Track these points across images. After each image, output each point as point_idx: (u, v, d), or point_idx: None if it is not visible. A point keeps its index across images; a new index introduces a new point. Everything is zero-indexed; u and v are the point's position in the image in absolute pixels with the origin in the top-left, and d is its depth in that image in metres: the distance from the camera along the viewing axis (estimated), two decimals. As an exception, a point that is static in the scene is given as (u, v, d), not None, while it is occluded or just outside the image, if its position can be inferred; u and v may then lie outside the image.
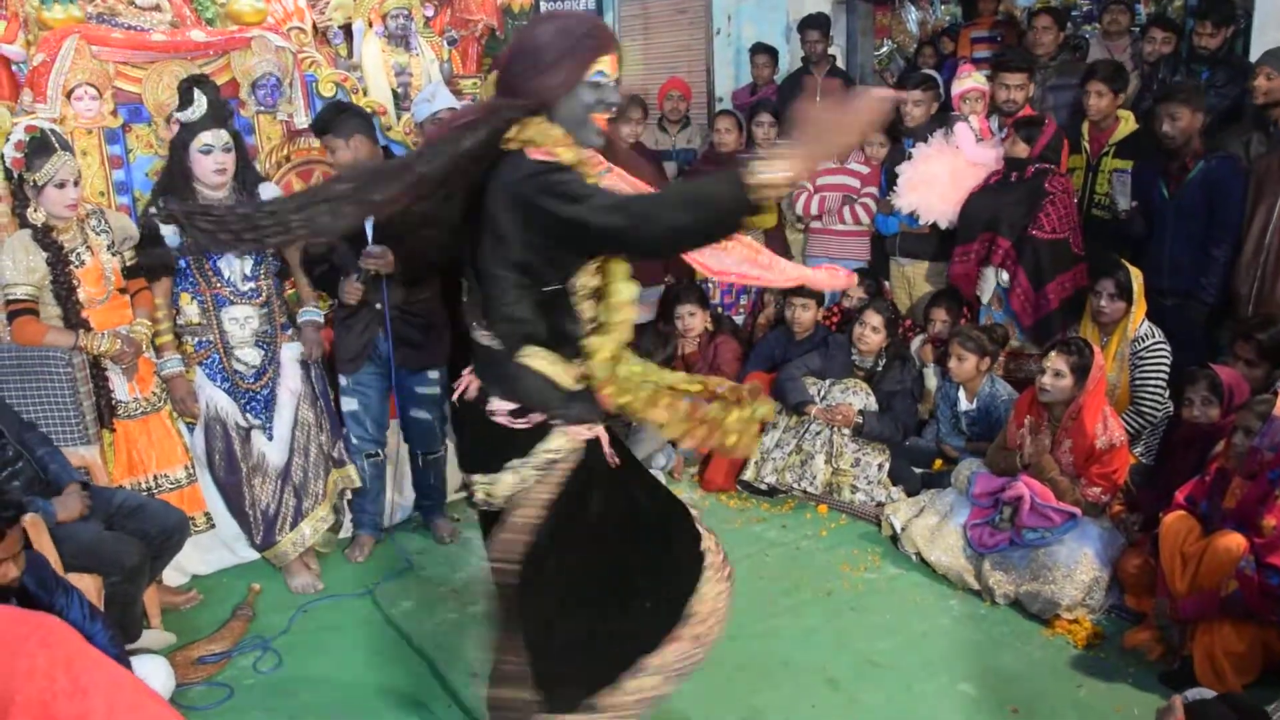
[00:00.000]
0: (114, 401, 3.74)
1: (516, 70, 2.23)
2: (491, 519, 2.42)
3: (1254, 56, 4.99)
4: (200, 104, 3.75)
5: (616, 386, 2.31)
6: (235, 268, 3.90)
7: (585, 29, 2.23)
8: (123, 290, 3.78)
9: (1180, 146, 4.38)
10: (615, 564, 2.43)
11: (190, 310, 3.90)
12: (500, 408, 2.29)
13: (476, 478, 2.38)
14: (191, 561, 4.10)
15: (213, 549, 4.19)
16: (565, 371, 2.29)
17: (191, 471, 4.00)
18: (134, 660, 2.94)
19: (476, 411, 2.32)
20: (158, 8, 4.51)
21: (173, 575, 4.00)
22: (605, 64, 2.20)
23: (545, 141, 2.17)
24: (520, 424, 2.28)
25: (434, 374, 4.21)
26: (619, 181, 2.45)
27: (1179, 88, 4.44)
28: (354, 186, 2.09)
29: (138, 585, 3.36)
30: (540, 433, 2.28)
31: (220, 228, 2.03)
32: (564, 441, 2.30)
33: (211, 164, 3.76)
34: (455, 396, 2.40)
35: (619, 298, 2.30)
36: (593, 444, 2.34)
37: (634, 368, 2.36)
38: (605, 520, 2.37)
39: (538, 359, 2.27)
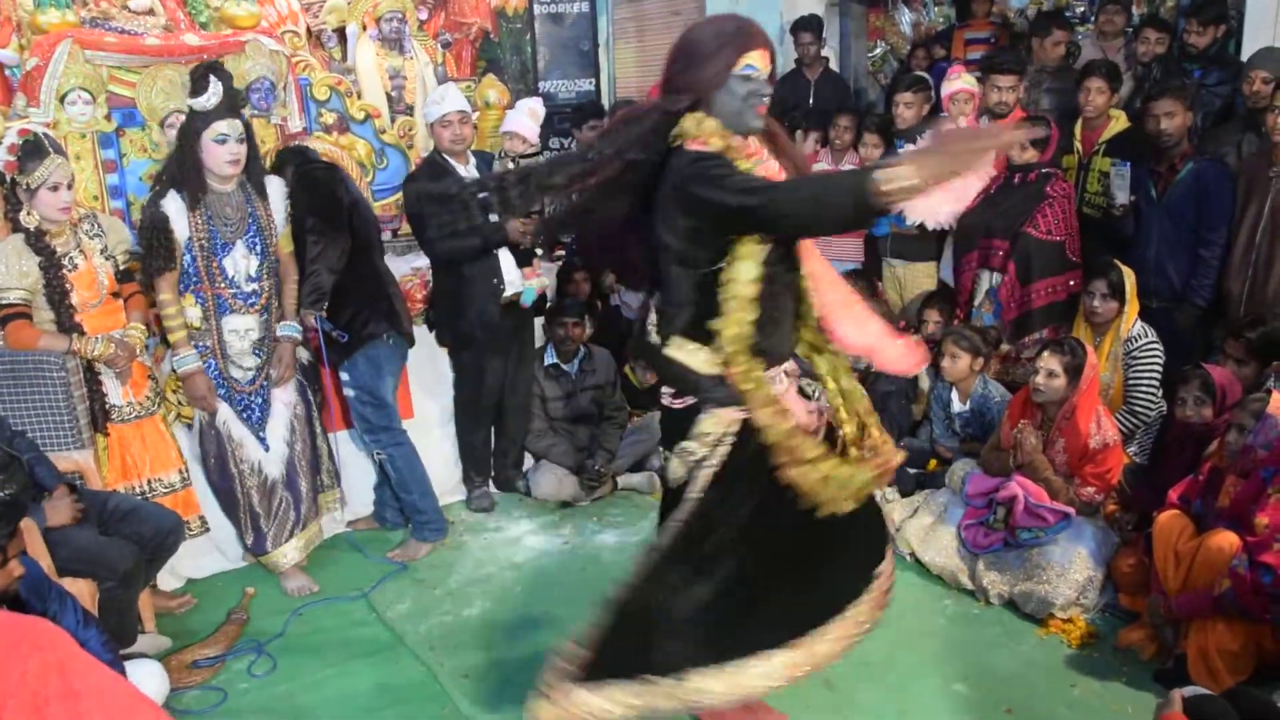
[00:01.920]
0: (108, 405, 3.73)
1: (676, 69, 2.46)
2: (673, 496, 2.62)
3: (1245, 56, 5.01)
4: (215, 91, 3.66)
5: (743, 372, 2.43)
6: (241, 268, 3.85)
7: (734, 27, 2.44)
8: (116, 294, 3.77)
9: (1173, 145, 4.39)
10: (758, 555, 2.55)
11: (192, 313, 3.85)
12: (666, 392, 2.57)
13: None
14: (186, 565, 4.10)
15: (207, 553, 4.20)
16: (704, 359, 2.47)
17: (186, 475, 3.99)
18: (128, 665, 2.94)
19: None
20: (151, 12, 4.51)
21: (167, 579, 4.01)
22: (755, 59, 2.39)
23: (700, 133, 2.40)
24: (677, 404, 2.54)
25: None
26: (775, 169, 2.58)
27: (1170, 86, 4.45)
28: (544, 170, 2.43)
29: (132, 590, 3.36)
30: (693, 414, 2.50)
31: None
32: (712, 424, 2.48)
33: (226, 154, 3.70)
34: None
35: (738, 275, 2.41)
36: (750, 429, 2.46)
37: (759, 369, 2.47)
38: (759, 509, 2.52)
39: (677, 349, 2.51)
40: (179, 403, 4.02)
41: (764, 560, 2.57)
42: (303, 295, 4.04)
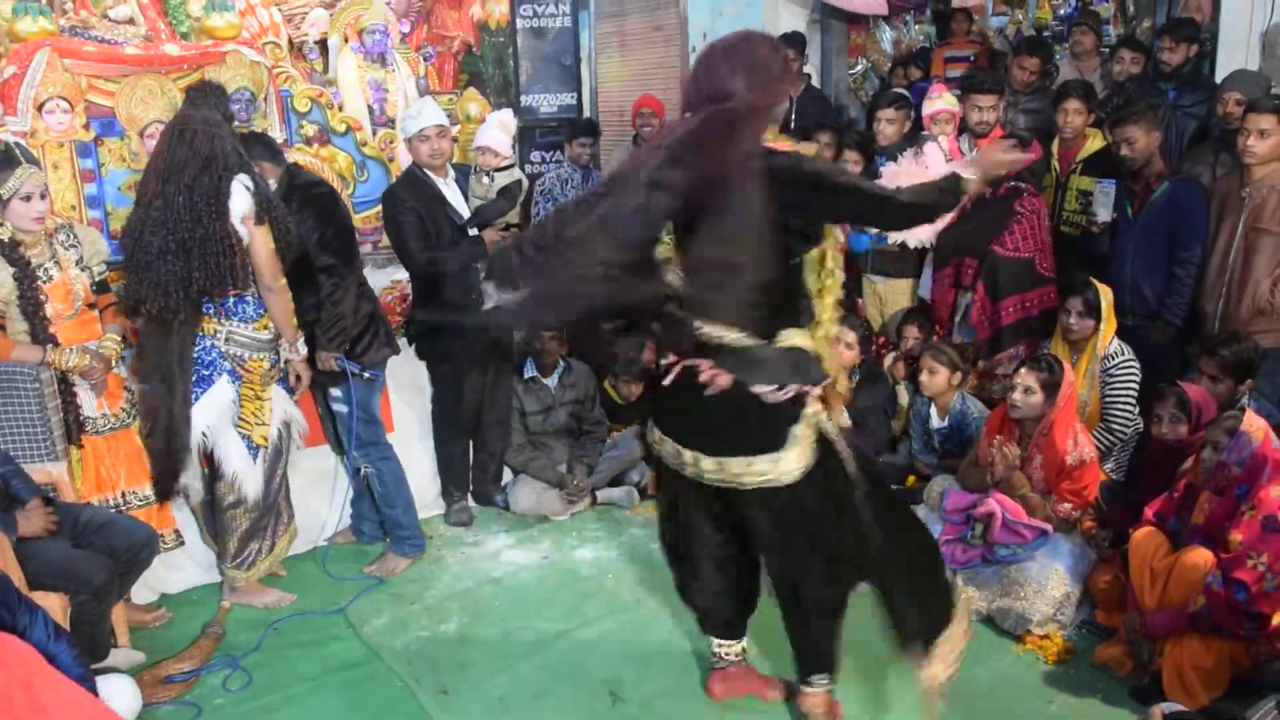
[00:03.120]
0: (82, 417, 3.69)
1: (749, 82, 2.55)
2: (726, 495, 2.86)
3: (1219, 78, 5.07)
4: None
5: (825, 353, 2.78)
6: None
7: (787, 56, 2.76)
8: (92, 305, 3.73)
9: (1142, 167, 4.44)
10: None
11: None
12: (763, 389, 2.66)
13: (730, 460, 2.75)
14: (160, 579, 4.06)
15: (182, 567, 4.16)
16: (810, 341, 2.74)
17: (183, 492, 3.92)
18: (101, 680, 2.90)
19: (724, 401, 2.68)
20: (131, 21, 4.50)
21: (141, 593, 3.96)
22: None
23: (775, 139, 2.70)
24: (782, 395, 2.68)
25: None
26: None
27: (1131, 111, 4.48)
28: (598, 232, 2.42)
29: (105, 603, 3.33)
30: (798, 402, 2.73)
31: None
32: (814, 406, 2.76)
33: None
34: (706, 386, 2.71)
35: (831, 257, 2.78)
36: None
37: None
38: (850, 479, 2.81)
39: (795, 337, 2.71)
40: (259, 423, 3.84)
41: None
42: (321, 335, 4.00)
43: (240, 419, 3.79)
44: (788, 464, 2.73)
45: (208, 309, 3.67)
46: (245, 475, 3.83)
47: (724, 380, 2.65)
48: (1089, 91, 5.01)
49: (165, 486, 3.80)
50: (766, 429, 2.73)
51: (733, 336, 2.66)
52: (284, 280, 3.71)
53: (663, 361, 2.87)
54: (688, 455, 2.82)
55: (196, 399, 3.71)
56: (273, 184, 3.90)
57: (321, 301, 3.97)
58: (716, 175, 2.44)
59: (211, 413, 3.74)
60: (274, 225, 3.66)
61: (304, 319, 3.99)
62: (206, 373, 3.72)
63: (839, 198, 2.67)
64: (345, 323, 4.00)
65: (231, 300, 3.68)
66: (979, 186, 2.72)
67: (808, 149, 2.75)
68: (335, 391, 4.16)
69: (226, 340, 3.72)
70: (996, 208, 4.72)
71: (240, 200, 3.56)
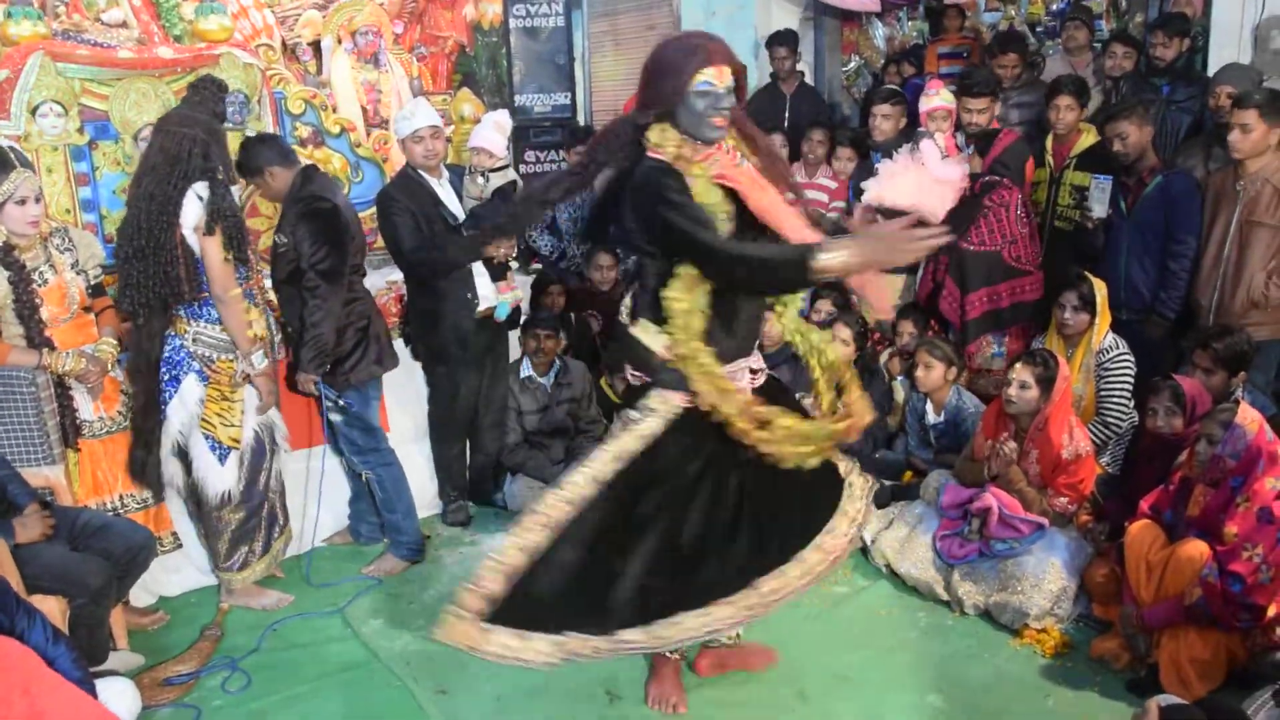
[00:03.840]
0: (79, 421, 3.69)
1: (645, 84, 2.70)
2: None
3: (1212, 71, 5.08)
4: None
5: (691, 360, 2.65)
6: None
7: (694, 45, 2.65)
8: (88, 309, 3.73)
9: (1135, 162, 4.45)
10: (696, 516, 2.76)
11: (259, 325, 3.81)
12: (629, 368, 2.83)
13: None
14: (159, 582, 4.06)
15: (181, 569, 4.16)
16: (663, 342, 2.70)
17: (158, 493, 3.94)
18: (100, 683, 2.90)
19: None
20: (124, 24, 4.50)
21: (140, 596, 3.96)
22: (710, 74, 2.59)
23: (661, 142, 2.64)
24: (635, 380, 2.81)
25: None
26: (748, 170, 2.76)
27: (1122, 106, 4.51)
28: (540, 189, 2.80)
29: (103, 607, 3.33)
30: (645, 390, 2.76)
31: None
32: (658, 402, 2.73)
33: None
34: None
35: (675, 291, 2.66)
36: (692, 415, 2.71)
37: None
38: (703, 473, 2.75)
39: (641, 330, 2.77)
40: (227, 425, 3.83)
41: (701, 521, 2.75)
42: (302, 356, 3.99)
43: (203, 419, 3.78)
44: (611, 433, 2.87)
45: (179, 310, 3.69)
46: (210, 475, 3.82)
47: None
48: (1081, 87, 5.02)
49: (147, 482, 3.85)
50: (630, 402, 2.85)
51: (625, 307, 2.89)
52: (236, 291, 3.68)
53: None
54: None
55: (169, 398, 3.75)
56: (283, 187, 3.96)
57: (304, 321, 3.96)
58: (578, 181, 2.78)
59: (183, 412, 3.77)
60: (228, 235, 3.61)
61: (295, 328, 4.03)
62: (175, 372, 3.74)
63: (667, 233, 2.60)
64: (325, 344, 3.97)
65: (199, 302, 3.70)
66: (843, 271, 2.44)
67: (700, 169, 2.63)
68: (328, 403, 4.17)
69: (194, 341, 3.73)
70: (973, 201, 4.76)
71: (190, 210, 3.57)
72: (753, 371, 2.87)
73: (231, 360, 3.77)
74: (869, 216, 3.99)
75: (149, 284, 3.57)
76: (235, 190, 3.74)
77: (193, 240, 3.60)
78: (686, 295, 2.63)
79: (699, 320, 2.64)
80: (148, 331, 3.70)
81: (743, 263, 2.55)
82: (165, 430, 3.78)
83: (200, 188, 3.59)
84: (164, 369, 3.74)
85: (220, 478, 3.84)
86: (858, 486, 3.05)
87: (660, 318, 2.69)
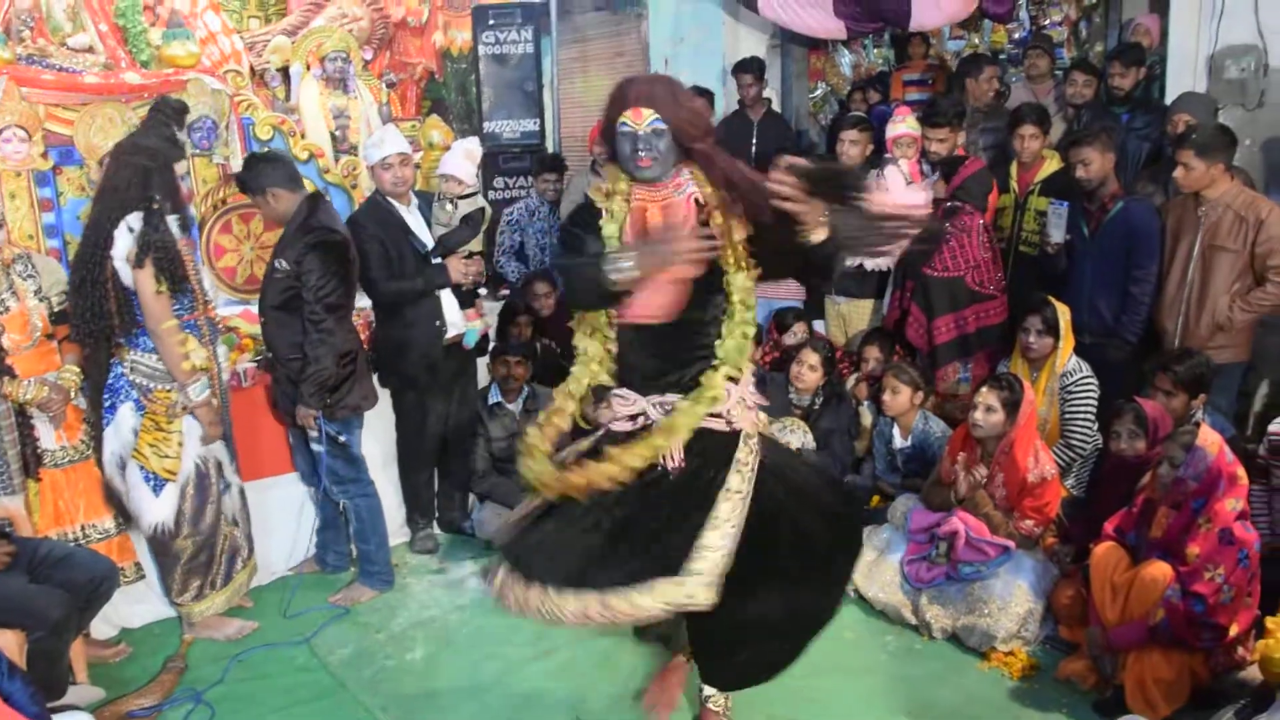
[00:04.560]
0: (40, 450, 3.64)
1: None
2: None
3: (1170, 99, 5.18)
4: (184, 130, 3.83)
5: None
6: (210, 287, 3.87)
7: (616, 90, 2.74)
8: (50, 336, 3.70)
9: (1097, 188, 4.52)
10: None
11: (198, 355, 3.73)
12: None
13: None
14: (121, 614, 4.00)
15: (144, 600, 4.10)
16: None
17: (121, 521, 3.90)
18: (58, 718, 2.86)
19: None
20: (90, 49, 4.49)
21: (101, 628, 3.91)
22: (627, 116, 2.66)
23: (606, 178, 2.81)
24: None
25: None
26: (682, 201, 2.76)
27: (1085, 133, 4.57)
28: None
29: (63, 640, 3.27)
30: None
31: None
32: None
33: (184, 188, 3.78)
34: None
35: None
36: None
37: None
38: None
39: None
40: (162, 456, 3.77)
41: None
42: (303, 390, 3.97)
43: (136, 449, 3.74)
44: None
45: (119, 339, 3.67)
46: (144, 505, 3.77)
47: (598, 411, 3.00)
48: (1043, 115, 5.09)
49: (117, 509, 3.85)
50: None
51: None
52: (170, 323, 3.63)
53: None
54: None
55: (106, 425, 3.72)
56: (285, 210, 3.98)
57: (304, 352, 3.95)
58: None
59: (116, 440, 3.73)
60: (159, 266, 3.56)
61: (282, 355, 4.01)
62: (114, 400, 3.72)
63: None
64: (327, 378, 3.97)
65: (136, 331, 3.67)
66: (635, 274, 2.52)
67: (620, 206, 2.74)
68: (313, 433, 4.13)
69: (132, 369, 3.70)
70: (938, 225, 4.81)
71: (121, 241, 3.55)
72: (634, 417, 2.82)
73: (169, 390, 3.72)
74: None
75: (87, 315, 3.57)
76: (173, 220, 3.65)
77: (124, 272, 3.57)
78: (585, 321, 2.81)
79: (594, 365, 2.81)
80: (94, 360, 3.69)
81: (566, 272, 2.74)
82: (104, 458, 3.75)
83: (134, 218, 3.56)
84: (106, 396, 3.72)
85: (154, 508, 3.77)
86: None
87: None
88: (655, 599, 2.58)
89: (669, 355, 2.78)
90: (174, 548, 3.84)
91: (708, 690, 3.17)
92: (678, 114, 2.68)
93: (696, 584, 2.59)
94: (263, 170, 3.97)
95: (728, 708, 3.19)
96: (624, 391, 2.81)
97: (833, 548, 2.95)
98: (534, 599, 2.63)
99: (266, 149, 4.75)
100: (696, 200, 2.74)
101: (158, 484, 3.77)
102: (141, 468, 3.74)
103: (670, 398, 2.76)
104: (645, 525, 2.69)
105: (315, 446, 4.19)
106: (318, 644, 3.94)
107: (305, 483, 4.46)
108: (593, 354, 2.81)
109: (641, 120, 2.65)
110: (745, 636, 2.94)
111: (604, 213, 2.75)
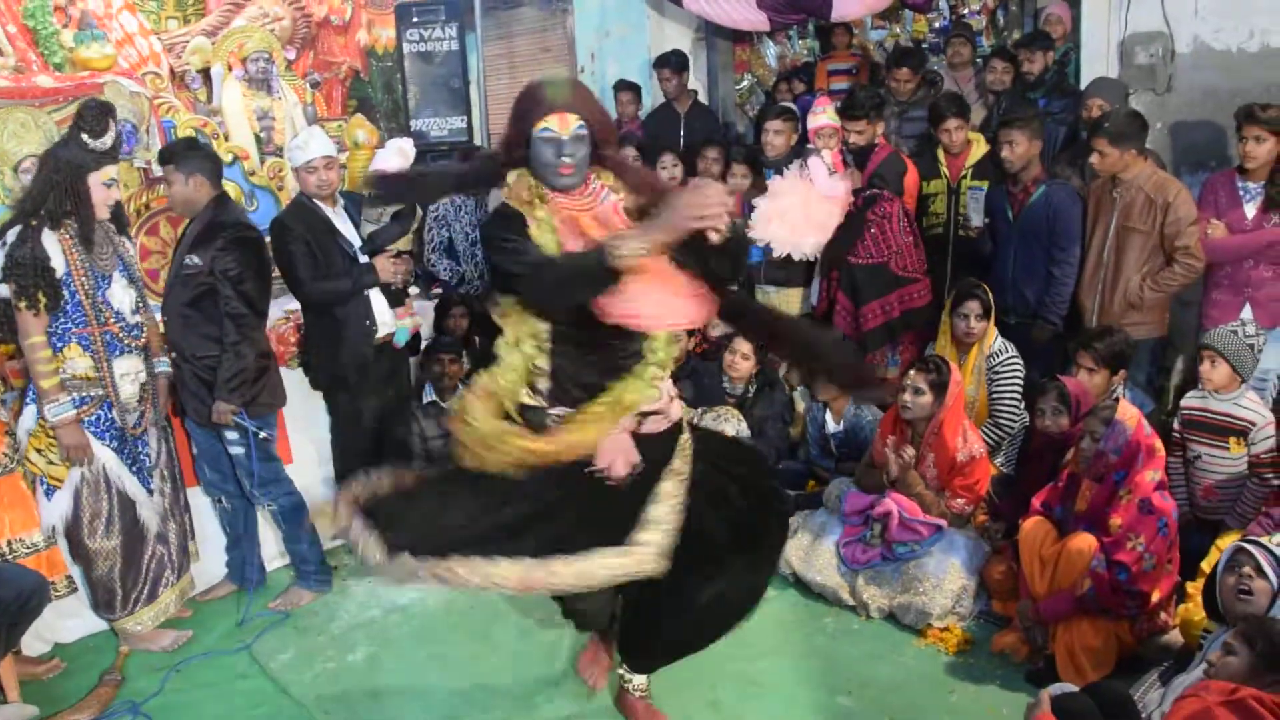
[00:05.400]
0: (-38, 464, 3.56)
1: (508, 122, 2.68)
2: None
3: (1084, 85, 5.32)
4: (112, 134, 3.65)
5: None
6: (124, 302, 3.75)
7: (530, 93, 2.65)
8: (-32, 348, 3.62)
9: (1019, 171, 4.63)
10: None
11: (81, 364, 3.65)
12: None
13: None
14: (53, 629, 3.92)
15: (78, 614, 4.01)
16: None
17: (51, 535, 3.81)
18: (-10, 735, 2.80)
19: None
20: (0, 52, 4.37)
21: (34, 644, 3.83)
22: (551, 121, 2.59)
23: (513, 186, 2.65)
24: None
25: None
26: (609, 208, 2.72)
27: (1015, 116, 4.68)
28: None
29: (-8, 657, 3.21)
30: None
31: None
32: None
33: (109, 197, 3.67)
34: None
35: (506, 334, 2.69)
36: None
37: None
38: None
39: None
40: (49, 462, 3.74)
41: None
42: (220, 382, 3.91)
43: (27, 452, 3.74)
44: None
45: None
46: (43, 509, 3.76)
47: None
48: (961, 105, 5.19)
49: None
50: None
51: None
52: (35, 339, 3.55)
53: None
54: None
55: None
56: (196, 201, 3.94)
57: (224, 348, 3.90)
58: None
59: (17, 438, 3.74)
60: (20, 285, 3.50)
61: (197, 355, 3.93)
62: (28, 399, 3.75)
63: (498, 275, 2.77)
64: (247, 374, 3.94)
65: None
66: (644, 251, 2.36)
67: (545, 214, 2.62)
68: (230, 434, 4.07)
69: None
70: (856, 216, 4.90)
71: None
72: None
73: None
74: None
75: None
76: (52, 235, 3.57)
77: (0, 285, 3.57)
78: (511, 332, 2.68)
79: (519, 358, 2.67)
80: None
81: (551, 268, 2.51)
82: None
83: (11, 233, 3.53)
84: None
85: (46, 512, 3.75)
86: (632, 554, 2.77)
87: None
88: (605, 567, 2.66)
89: (606, 366, 2.70)
90: (90, 558, 3.79)
91: (628, 675, 3.25)
92: (596, 118, 2.67)
93: (645, 553, 2.67)
94: (196, 156, 3.95)
95: (646, 688, 3.26)
96: (558, 410, 2.68)
97: (761, 529, 3.00)
98: (472, 570, 2.63)
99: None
100: (625, 209, 2.71)
101: (47, 488, 3.75)
102: (28, 471, 3.74)
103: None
104: (590, 501, 2.70)
105: (235, 450, 4.10)
106: (258, 650, 3.90)
107: (209, 493, 4.35)
108: (514, 366, 2.67)
109: (568, 126, 2.59)
110: (677, 618, 2.99)
111: (530, 221, 2.60)
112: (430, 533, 2.66)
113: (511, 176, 2.67)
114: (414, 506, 2.74)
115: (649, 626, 3.09)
